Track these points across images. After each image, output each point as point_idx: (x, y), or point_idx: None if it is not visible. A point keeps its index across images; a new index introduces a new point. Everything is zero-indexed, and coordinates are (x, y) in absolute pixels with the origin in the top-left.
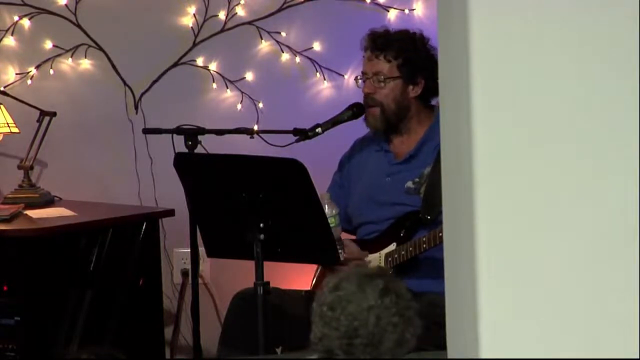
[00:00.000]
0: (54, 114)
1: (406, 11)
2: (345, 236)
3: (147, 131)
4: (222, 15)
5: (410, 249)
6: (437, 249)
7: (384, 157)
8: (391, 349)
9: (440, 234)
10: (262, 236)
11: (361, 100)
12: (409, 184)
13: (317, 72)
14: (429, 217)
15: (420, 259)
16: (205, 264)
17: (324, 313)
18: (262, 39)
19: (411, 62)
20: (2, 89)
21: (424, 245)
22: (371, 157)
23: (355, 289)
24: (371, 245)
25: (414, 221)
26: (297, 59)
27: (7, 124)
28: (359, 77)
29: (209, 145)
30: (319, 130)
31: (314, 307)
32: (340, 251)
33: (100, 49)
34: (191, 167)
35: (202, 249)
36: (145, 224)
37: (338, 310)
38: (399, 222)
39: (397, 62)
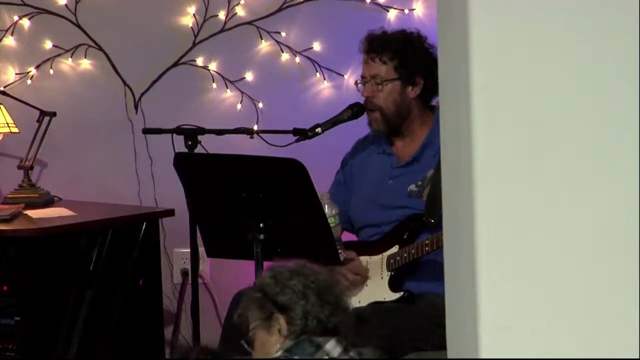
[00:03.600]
0: (54, 114)
1: (406, 11)
2: (347, 237)
3: (147, 131)
4: (222, 15)
5: (413, 251)
6: (438, 252)
7: (386, 159)
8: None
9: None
10: (262, 236)
11: (361, 100)
12: (412, 187)
13: (317, 72)
14: (432, 221)
15: (422, 262)
16: (205, 264)
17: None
18: (262, 39)
19: (408, 62)
20: (2, 89)
21: (427, 248)
22: (373, 159)
23: (287, 281)
24: (373, 247)
25: (417, 224)
26: (297, 59)
27: (7, 124)
28: (358, 82)
29: (209, 145)
30: (318, 130)
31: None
32: (340, 251)
33: (100, 49)
34: (191, 167)
35: (202, 249)
36: (145, 224)
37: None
38: (402, 224)
39: (393, 63)
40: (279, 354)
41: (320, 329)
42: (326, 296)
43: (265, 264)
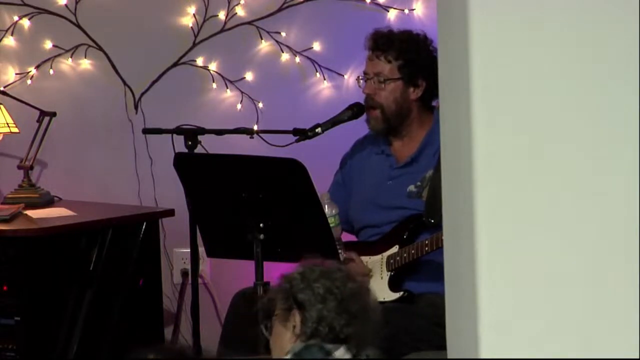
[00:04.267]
0: (54, 114)
1: (406, 11)
2: (347, 237)
3: (147, 131)
4: (222, 15)
5: (413, 251)
6: (438, 252)
7: (385, 160)
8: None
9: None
10: (262, 236)
11: (361, 100)
12: (411, 187)
13: (317, 72)
14: (432, 221)
15: (422, 262)
16: (205, 264)
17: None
18: (262, 39)
19: (412, 63)
20: (2, 89)
21: (426, 248)
22: (372, 159)
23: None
24: (373, 247)
25: (417, 224)
26: (297, 59)
27: (7, 124)
28: (360, 77)
29: (209, 145)
30: (318, 130)
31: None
32: (340, 251)
33: (100, 49)
34: (191, 167)
35: (202, 249)
36: (145, 224)
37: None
38: (402, 224)
39: (397, 63)
40: (289, 356)
41: (332, 336)
42: (347, 305)
43: (265, 263)
